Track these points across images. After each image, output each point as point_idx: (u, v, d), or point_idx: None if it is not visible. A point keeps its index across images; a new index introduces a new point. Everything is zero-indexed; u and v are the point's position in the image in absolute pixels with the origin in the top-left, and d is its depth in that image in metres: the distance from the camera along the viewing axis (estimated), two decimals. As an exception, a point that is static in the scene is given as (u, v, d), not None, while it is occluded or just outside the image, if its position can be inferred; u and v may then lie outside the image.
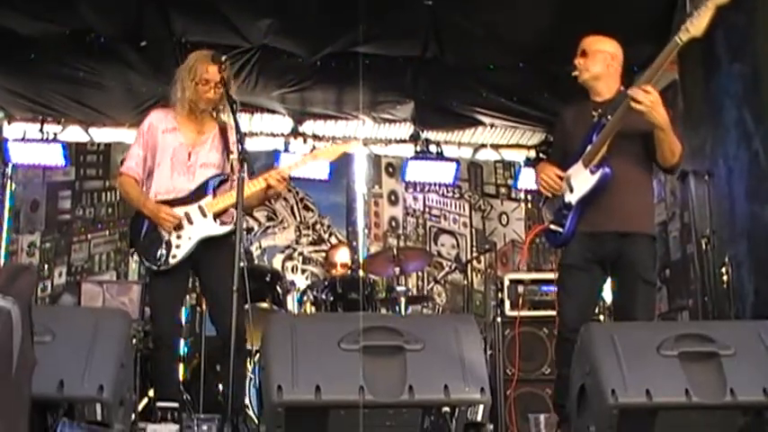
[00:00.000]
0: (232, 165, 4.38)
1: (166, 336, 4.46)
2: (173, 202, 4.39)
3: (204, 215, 4.39)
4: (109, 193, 8.88)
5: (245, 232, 5.38)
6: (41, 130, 8.02)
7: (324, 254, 7.74)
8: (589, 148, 4.12)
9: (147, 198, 4.45)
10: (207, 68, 4.37)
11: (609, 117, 4.06)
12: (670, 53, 3.89)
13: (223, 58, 4.38)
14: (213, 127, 4.52)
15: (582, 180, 4.15)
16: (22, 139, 8.06)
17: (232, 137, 4.43)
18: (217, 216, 4.39)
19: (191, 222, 4.38)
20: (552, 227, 4.29)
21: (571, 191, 4.21)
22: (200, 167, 4.45)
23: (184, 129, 4.48)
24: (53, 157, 8.11)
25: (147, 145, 4.52)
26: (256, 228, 8.56)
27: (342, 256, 6.92)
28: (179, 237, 4.36)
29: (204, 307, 6.95)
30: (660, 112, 3.93)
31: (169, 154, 4.44)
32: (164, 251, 4.34)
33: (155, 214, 4.38)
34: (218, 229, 4.38)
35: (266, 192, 4.50)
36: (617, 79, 4.32)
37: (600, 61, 4.27)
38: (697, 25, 3.74)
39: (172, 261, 4.33)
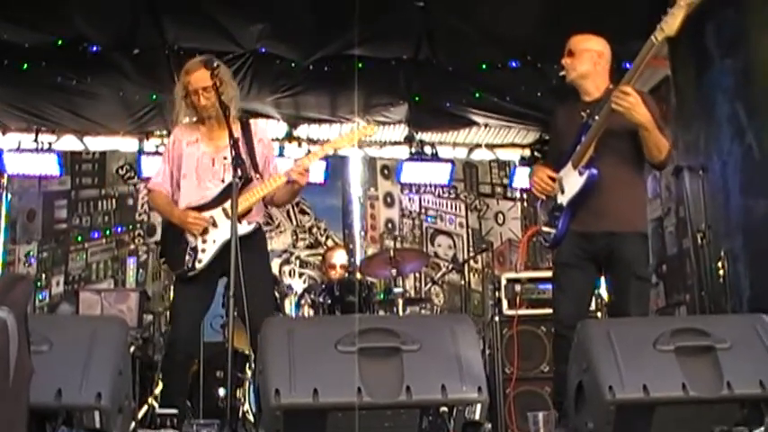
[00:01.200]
0: (253, 163, 4.39)
1: (181, 341, 4.40)
2: (200, 209, 4.40)
3: (228, 217, 4.32)
4: (105, 202, 8.90)
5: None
6: (36, 140, 8.05)
7: (321, 257, 7.74)
8: (578, 148, 4.14)
9: (174, 207, 4.48)
10: (189, 80, 4.38)
11: (596, 117, 4.08)
12: (647, 53, 3.89)
13: (199, 59, 4.42)
14: (234, 130, 4.39)
15: (572, 181, 4.17)
16: (17, 150, 8.07)
17: (258, 134, 4.51)
18: (242, 217, 4.31)
19: (215, 226, 4.37)
20: (545, 228, 4.32)
21: (562, 192, 4.23)
22: (226, 172, 4.39)
23: (206, 138, 4.49)
24: (48, 166, 8.13)
25: (173, 159, 4.54)
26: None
27: (339, 258, 6.92)
28: (204, 241, 4.36)
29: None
30: (640, 111, 3.95)
31: (194, 164, 4.45)
32: (190, 257, 4.35)
33: (182, 220, 4.39)
34: (240, 229, 4.21)
35: (291, 186, 4.47)
36: (605, 77, 4.33)
37: (587, 60, 4.28)
38: (671, 24, 3.75)
39: (198, 266, 4.33)
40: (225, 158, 4.33)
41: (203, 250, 4.36)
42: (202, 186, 4.42)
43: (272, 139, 8.12)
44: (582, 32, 4.38)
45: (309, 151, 7.97)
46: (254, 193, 4.35)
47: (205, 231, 4.37)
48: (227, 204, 4.30)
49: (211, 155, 4.46)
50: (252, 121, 4.59)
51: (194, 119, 4.52)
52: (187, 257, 4.35)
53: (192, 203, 4.41)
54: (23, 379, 2.41)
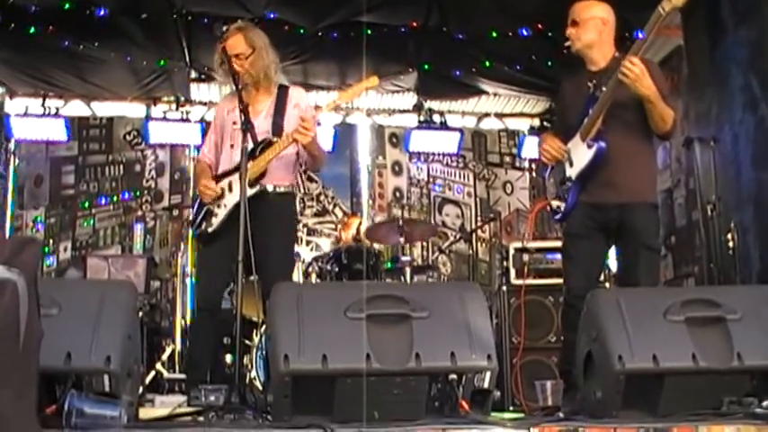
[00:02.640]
0: (278, 124, 4.41)
1: (202, 299, 4.51)
2: (225, 174, 4.47)
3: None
4: (112, 167, 8.90)
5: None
6: (43, 105, 8.02)
7: (331, 225, 7.75)
8: (585, 120, 4.10)
9: (201, 176, 4.59)
10: (224, 46, 4.39)
11: (603, 89, 4.03)
12: (655, 23, 3.84)
13: (236, 24, 4.47)
14: (268, 97, 4.51)
15: (580, 154, 4.14)
16: (24, 115, 8.05)
17: (294, 99, 4.51)
18: (257, 179, 4.34)
19: (230, 191, 4.43)
20: (554, 203, 4.29)
21: (571, 165, 4.20)
22: (258, 136, 4.37)
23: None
24: (56, 131, 8.11)
25: (217, 129, 4.63)
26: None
27: (356, 225, 6.98)
28: (218, 206, 4.45)
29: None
30: (645, 84, 3.90)
31: (230, 132, 4.49)
32: (205, 221, 4.47)
33: (198, 188, 4.55)
34: (248, 192, 4.18)
35: (305, 147, 4.42)
36: (611, 45, 4.26)
37: (591, 28, 4.21)
38: None
39: (209, 229, 4.43)
40: (256, 124, 4.29)
41: (216, 215, 4.45)
42: (234, 153, 4.44)
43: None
44: (602, 2, 4.30)
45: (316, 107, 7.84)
46: (264, 156, 4.35)
47: (222, 196, 4.44)
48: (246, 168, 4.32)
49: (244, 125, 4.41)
50: (291, 87, 4.63)
51: (234, 86, 4.45)
52: (203, 221, 4.48)
53: (223, 169, 4.51)
54: (33, 342, 2.41)
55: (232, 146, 4.47)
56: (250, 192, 4.25)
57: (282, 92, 4.55)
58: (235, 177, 4.37)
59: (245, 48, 4.38)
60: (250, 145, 4.19)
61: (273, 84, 4.53)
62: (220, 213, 4.43)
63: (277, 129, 4.42)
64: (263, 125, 4.42)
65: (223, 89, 8.21)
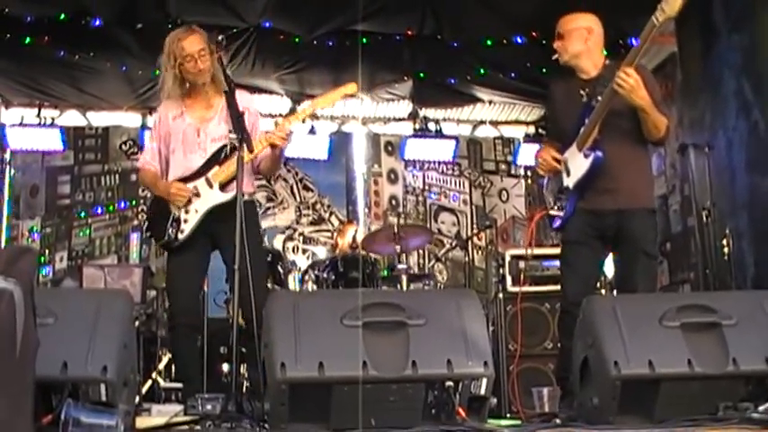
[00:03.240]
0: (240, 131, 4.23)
1: (179, 310, 4.39)
2: (184, 180, 4.37)
3: (210, 186, 4.34)
4: (108, 177, 8.90)
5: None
6: (39, 115, 8.02)
7: (327, 234, 7.76)
8: (582, 130, 4.11)
9: (159, 180, 4.47)
10: (182, 45, 4.31)
11: (598, 99, 4.04)
12: (649, 33, 3.86)
13: (181, 28, 4.47)
14: (219, 99, 4.40)
15: (577, 164, 4.15)
16: (20, 125, 8.04)
17: (242, 102, 4.30)
18: (224, 185, 4.31)
19: (198, 196, 4.35)
20: (552, 212, 4.29)
21: (568, 174, 4.21)
22: (211, 142, 4.38)
23: (190, 110, 4.44)
24: (51, 141, 8.11)
25: (160, 136, 4.51)
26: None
27: (352, 233, 6.97)
28: (187, 212, 4.34)
29: (206, 288, 6.99)
30: (641, 95, 3.93)
31: (180, 138, 4.41)
32: (173, 228, 4.34)
33: (166, 192, 4.39)
34: (221, 197, 4.28)
35: (273, 152, 4.40)
36: (599, 53, 4.27)
37: (576, 39, 4.22)
38: (672, 4, 3.71)
39: (180, 237, 4.32)
40: (208, 129, 4.33)
41: (185, 221, 4.34)
42: (188, 158, 4.38)
43: (276, 115, 8.20)
44: (588, 8, 4.32)
45: (294, 111, 7.80)
46: (231, 163, 4.23)
47: (189, 202, 4.34)
48: (211, 173, 4.32)
49: (196, 125, 4.41)
50: (237, 91, 4.36)
51: (185, 88, 4.42)
52: (170, 229, 4.34)
53: (178, 176, 4.39)
54: (30, 351, 2.41)
55: (188, 152, 4.37)
56: (225, 197, 4.26)
57: (230, 95, 4.29)
58: (200, 182, 4.33)
59: (204, 44, 4.29)
60: (208, 148, 4.21)
61: (221, 85, 4.30)
62: (191, 219, 4.32)
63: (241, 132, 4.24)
64: (217, 130, 4.37)
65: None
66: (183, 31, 4.38)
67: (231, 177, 4.26)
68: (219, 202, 4.29)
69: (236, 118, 4.08)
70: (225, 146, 4.33)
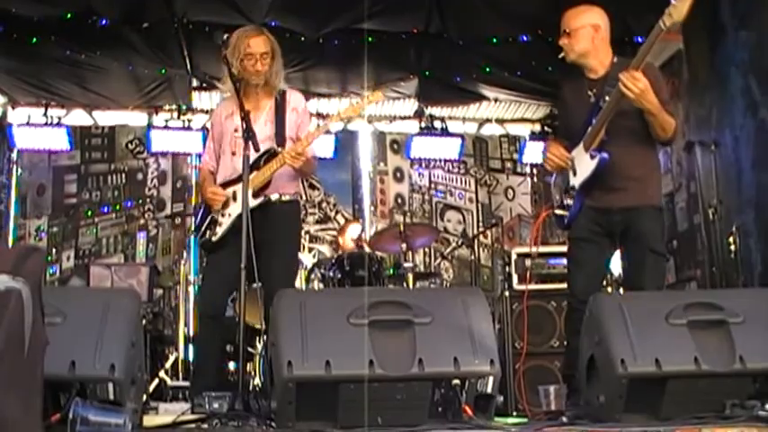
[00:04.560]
0: (280, 134, 4.42)
1: (205, 305, 4.50)
2: (228, 183, 4.46)
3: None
4: (114, 176, 8.91)
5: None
6: (45, 115, 8.03)
7: (333, 232, 7.76)
8: (589, 130, 4.10)
9: (206, 183, 4.58)
10: (249, 43, 4.40)
11: (605, 98, 4.03)
12: (655, 38, 3.83)
13: (251, 26, 4.61)
14: (269, 101, 4.51)
15: (584, 164, 4.14)
16: (27, 124, 8.06)
17: (292, 103, 4.50)
18: (258, 191, 4.36)
19: (234, 200, 4.42)
20: (558, 211, 4.29)
21: (575, 174, 4.20)
22: (260, 144, 4.36)
23: (239, 111, 4.40)
24: (58, 141, 8.14)
25: (215, 136, 4.63)
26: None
27: (354, 230, 6.96)
28: (223, 215, 4.44)
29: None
30: (649, 98, 3.91)
31: (229, 138, 4.49)
32: (209, 230, 4.46)
33: (204, 196, 4.55)
34: (251, 203, 4.25)
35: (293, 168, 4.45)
36: (607, 50, 4.23)
37: (583, 37, 4.17)
38: (679, 9, 3.68)
39: (214, 238, 4.43)
40: (255, 130, 4.27)
41: (220, 224, 4.44)
42: (234, 160, 4.44)
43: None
44: (593, 6, 4.29)
45: (318, 125, 7.85)
46: (268, 167, 4.37)
47: (225, 205, 4.44)
48: (250, 177, 4.32)
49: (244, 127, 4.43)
50: (288, 91, 4.60)
51: (238, 85, 4.41)
52: (207, 230, 4.47)
53: (226, 178, 4.49)
54: (38, 350, 2.42)
55: (234, 153, 4.44)
56: (254, 202, 4.30)
57: (281, 96, 4.54)
58: (238, 187, 4.34)
59: (269, 48, 4.42)
60: (252, 153, 4.18)
61: (275, 90, 4.52)
62: (224, 222, 4.42)
63: (280, 139, 4.43)
64: (263, 131, 4.42)
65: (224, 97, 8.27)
66: (253, 30, 4.52)
67: (266, 183, 4.38)
68: (251, 207, 4.26)
69: (243, 115, 4.14)
70: (267, 150, 4.41)
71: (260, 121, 4.45)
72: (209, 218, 4.51)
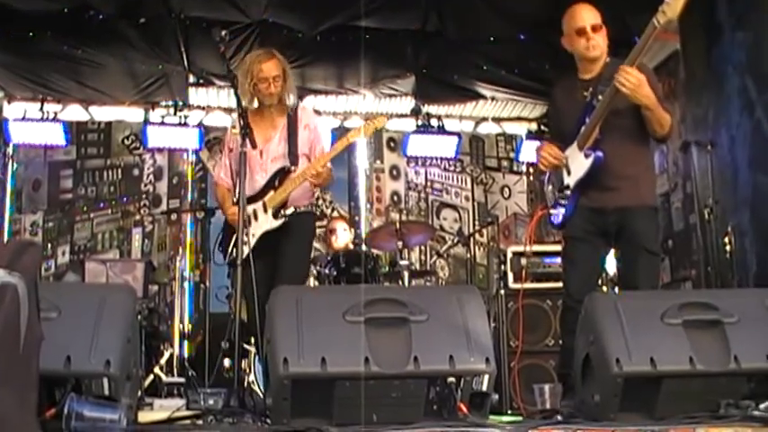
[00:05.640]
0: (293, 152, 4.57)
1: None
2: (248, 201, 4.49)
3: (265, 210, 4.57)
4: (110, 172, 8.89)
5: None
6: (41, 110, 7.99)
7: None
8: (583, 129, 4.10)
9: (226, 202, 4.72)
10: (261, 67, 4.54)
11: (599, 98, 4.03)
12: (650, 36, 3.83)
13: (264, 50, 4.70)
14: (282, 119, 4.66)
15: (578, 163, 4.14)
16: (23, 119, 8.03)
17: (304, 120, 4.67)
18: (279, 208, 4.54)
19: (256, 219, 4.57)
20: (552, 211, 4.29)
21: (569, 173, 4.20)
22: (271, 162, 4.62)
23: (256, 130, 4.51)
24: (54, 136, 8.10)
25: (231, 152, 4.71)
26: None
27: (340, 226, 6.93)
28: (247, 234, 4.45)
29: (208, 284, 7.02)
30: (644, 93, 3.91)
31: (247, 157, 4.48)
32: (235, 247, 4.43)
33: (227, 214, 4.69)
34: (272, 224, 4.54)
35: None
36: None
37: (605, 36, 4.18)
38: (673, 7, 3.68)
39: (239, 258, 4.40)
40: (270, 149, 4.59)
41: (244, 243, 4.42)
42: (252, 179, 4.57)
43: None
44: (592, 4, 4.28)
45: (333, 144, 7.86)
46: (284, 188, 4.53)
47: (248, 224, 4.51)
48: (267, 198, 4.57)
49: (259, 147, 4.57)
50: (300, 107, 4.77)
51: (253, 106, 4.64)
52: (234, 249, 4.45)
53: (246, 196, 4.49)
54: (34, 345, 2.42)
55: (252, 172, 4.55)
56: (275, 223, 4.52)
57: (293, 114, 4.68)
58: (258, 206, 4.56)
59: (280, 71, 4.57)
60: (248, 148, 4.22)
61: (288, 108, 4.67)
62: (249, 242, 4.44)
63: (292, 157, 4.58)
64: (277, 149, 4.60)
65: (221, 93, 8.26)
66: (265, 54, 4.65)
67: (284, 202, 4.55)
68: (271, 228, 4.54)
69: (240, 112, 4.20)
70: (281, 169, 4.58)
71: (274, 139, 4.63)
72: (233, 237, 4.55)
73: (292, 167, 4.56)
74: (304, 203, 4.69)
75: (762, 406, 3.13)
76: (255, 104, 4.65)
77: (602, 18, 4.19)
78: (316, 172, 4.47)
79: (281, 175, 4.57)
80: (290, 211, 4.56)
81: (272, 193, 4.55)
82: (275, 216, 4.53)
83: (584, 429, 2.88)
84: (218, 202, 4.91)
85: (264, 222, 4.55)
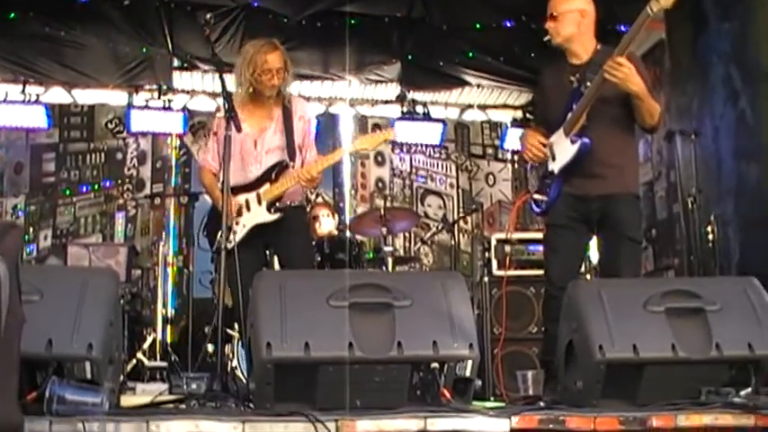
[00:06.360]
0: (290, 145, 4.57)
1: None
2: (240, 189, 4.53)
3: (259, 202, 4.56)
4: (93, 155, 8.83)
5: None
6: (23, 92, 7.90)
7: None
8: (569, 116, 4.11)
9: (215, 187, 4.63)
10: (266, 58, 4.50)
11: (587, 84, 4.03)
12: (642, 24, 3.84)
13: (267, 40, 4.60)
14: (277, 110, 4.64)
15: (563, 149, 4.14)
16: (4, 101, 7.94)
17: (298, 111, 4.66)
18: (274, 202, 4.54)
19: (248, 209, 4.56)
20: (536, 196, 4.29)
21: (554, 159, 4.20)
22: (266, 154, 4.60)
23: (250, 118, 4.57)
24: (36, 118, 8.01)
25: (220, 138, 4.60)
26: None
27: (322, 212, 6.90)
28: (237, 223, 4.52)
29: (192, 269, 6.98)
30: (635, 81, 3.92)
31: (238, 145, 4.53)
32: (223, 236, 4.42)
33: (216, 202, 4.61)
34: (267, 217, 4.53)
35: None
36: (591, 37, 4.24)
37: (570, 22, 4.18)
38: None
39: (228, 246, 4.39)
40: (265, 140, 4.57)
41: (234, 232, 4.50)
42: (245, 169, 4.57)
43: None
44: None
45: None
46: (285, 182, 4.52)
47: (239, 213, 4.53)
48: (262, 190, 4.55)
49: (253, 136, 4.59)
50: (294, 99, 4.75)
51: (251, 95, 4.60)
52: (221, 237, 4.39)
53: (236, 184, 4.49)
54: (15, 328, 2.40)
55: (245, 162, 4.56)
56: (271, 217, 4.52)
57: (289, 108, 4.66)
58: (251, 196, 4.55)
59: (283, 63, 4.54)
60: (234, 132, 4.19)
61: (283, 98, 4.65)
62: (239, 232, 4.51)
63: (290, 150, 4.58)
64: (273, 140, 4.59)
65: (205, 78, 8.21)
66: (269, 45, 4.58)
67: (279, 197, 4.55)
68: (265, 221, 4.54)
69: (225, 96, 4.19)
70: (279, 163, 4.57)
71: (270, 130, 4.62)
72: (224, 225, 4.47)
73: (291, 163, 4.56)
74: (298, 198, 4.72)
75: (742, 393, 3.16)
76: (250, 92, 4.59)
77: (580, 5, 4.19)
78: (311, 177, 4.50)
79: (278, 170, 4.56)
80: (285, 205, 4.57)
81: (267, 186, 4.55)
82: (269, 209, 4.53)
83: (567, 416, 2.89)
84: (204, 186, 4.86)
85: (258, 214, 4.55)
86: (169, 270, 7.65)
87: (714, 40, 6.15)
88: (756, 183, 5.65)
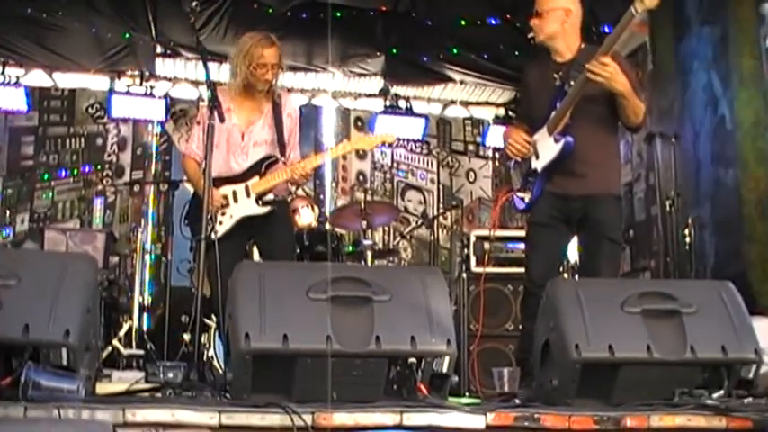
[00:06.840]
0: (281, 140, 4.61)
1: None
2: (225, 180, 4.54)
3: (248, 195, 4.57)
4: (73, 140, 8.76)
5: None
6: (3, 74, 7.81)
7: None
8: (553, 114, 4.12)
9: (198, 178, 4.60)
10: (263, 53, 4.51)
11: (571, 83, 4.05)
12: (626, 24, 3.86)
13: (264, 35, 4.61)
14: (267, 104, 4.66)
15: (547, 147, 4.16)
16: (-17, 83, 7.86)
17: (287, 108, 4.69)
18: (262, 195, 4.57)
19: (236, 201, 4.57)
20: (519, 194, 4.31)
21: (537, 157, 4.22)
22: (253, 147, 4.62)
23: (238, 110, 4.60)
24: (15, 101, 7.91)
25: (205, 128, 4.52)
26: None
27: (301, 203, 6.88)
28: (223, 214, 4.53)
29: (170, 256, 6.95)
30: (619, 80, 3.94)
31: (224, 135, 4.55)
32: (208, 227, 4.38)
33: (200, 192, 4.52)
34: (256, 210, 4.56)
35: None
36: (576, 35, 4.26)
37: (554, 20, 4.20)
38: None
39: (213, 236, 4.36)
40: (253, 133, 4.60)
41: (221, 223, 4.51)
42: (231, 160, 4.59)
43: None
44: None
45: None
46: (275, 176, 4.55)
47: (225, 205, 4.54)
48: (251, 182, 4.56)
49: (241, 129, 4.61)
50: (283, 95, 4.77)
51: (242, 87, 4.61)
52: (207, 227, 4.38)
53: (220, 174, 4.51)
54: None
55: (231, 153, 4.57)
56: (260, 210, 4.55)
57: (278, 103, 4.68)
58: (239, 188, 4.56)
59: (278, 59, 4.57)
60: (216, 122, 4.16)
61: (274, 93, 4.67)
62: (226, 223, 4.52)
63: (281, 146, 4.61)
64: (261, 134, 4.62)
65: (188, 65, 8.16)
66: (267, 40, 4.60)
67: (269, 191, 4.58)
68: (253, 214, 4.56)
69: (209, 84, 4.18)
70: (269, 157, 4.61)
71: (259, 123, 4.63)
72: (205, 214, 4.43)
73: (281, 158, 4.60)
74: (283, 193, 4.79)
75: (714, 395, 3.20)
76: (241, 84, 4.59)
77: (565, 4, 4.21)
78: (305, 173, 4.56)
79: (268, 163, 4.59)
80: (274, 199, 4.61)
81: (256, 178, 4.57)
82: (258, 202, 4.55)
83: (542, 413, 2.91)
84: (187, 175, 4.84)
85: (247, 207, 4.56)
86: (147, 258, 7.61)
87: (696, 46, 6.20)
88: (733, 188, 5.70)
